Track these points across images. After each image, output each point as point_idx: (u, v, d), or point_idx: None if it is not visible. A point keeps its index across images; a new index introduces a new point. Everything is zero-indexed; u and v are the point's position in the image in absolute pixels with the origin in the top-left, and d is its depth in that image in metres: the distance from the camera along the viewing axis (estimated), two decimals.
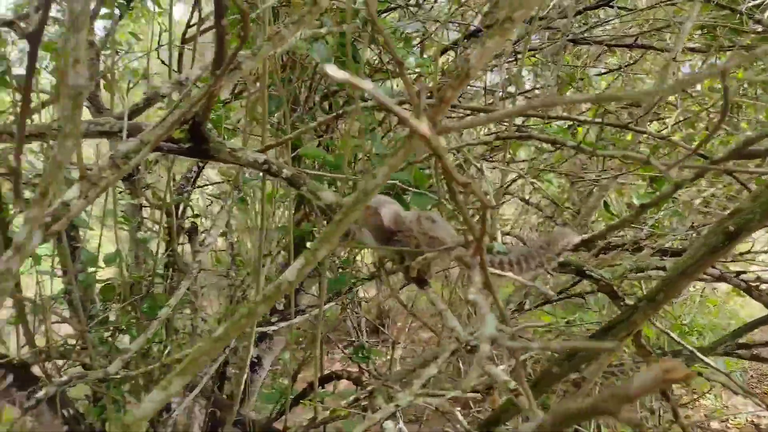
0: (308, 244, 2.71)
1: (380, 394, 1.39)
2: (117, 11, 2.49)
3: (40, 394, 1.56)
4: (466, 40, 2.90)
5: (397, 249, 0.82)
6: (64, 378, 1.59)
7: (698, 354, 1.16)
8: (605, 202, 2.12)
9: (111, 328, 2.32)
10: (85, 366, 2.48)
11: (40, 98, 3.30)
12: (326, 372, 2.59)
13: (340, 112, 1.30)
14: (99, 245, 1.69)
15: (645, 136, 1.52)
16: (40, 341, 2.48)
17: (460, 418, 1.16)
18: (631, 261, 1.31)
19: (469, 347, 0.81)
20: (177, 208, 2.58)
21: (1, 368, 2.23)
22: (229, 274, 3.06)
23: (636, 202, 1.92)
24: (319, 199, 0.96)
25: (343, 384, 3.32)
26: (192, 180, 3.02)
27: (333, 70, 0.35)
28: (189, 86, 1.37)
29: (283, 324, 1.86)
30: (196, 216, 3.11)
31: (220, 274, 3.23)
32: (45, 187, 0.51)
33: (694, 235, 1.62)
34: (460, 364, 3.40)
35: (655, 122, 3.12)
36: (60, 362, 2.28)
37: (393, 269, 1.09)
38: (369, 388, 1.55)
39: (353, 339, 3.78)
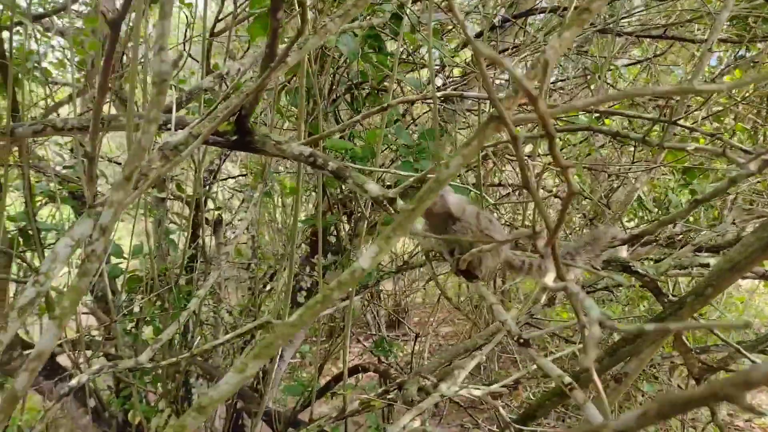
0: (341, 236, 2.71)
1: (412, 386, 1.39)
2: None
3: (72, 383, 1.57)
4: (490, 32, 2.87)
5: (451, 238, 0.81)
6: (95, 367, 1.60)
7: (743, 352, 1.14)
8: (639, 197, 2.09)
9: (135, 319, 2.34)
10: (108, 356, 2.50)
11: (62, 92, 3.32)
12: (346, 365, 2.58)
13: (385, 105, 1.28)
14: (131, 236, 1.70)
15: (681, 130, 1.50)
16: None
17: (503, 411, 1.15)
18: (672, 257, 1.29)
19: (521, 340, 0.80)
20: (201, 201, 2.59)
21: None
22: (251, 266, 3.07)
23: (671, 196, 1.90)
24: (365, 191, 0.96)
25: (361, 377, 3.32)
26: (214, 173, 3.04)
27: (481, 45, 0.35)
28: (237, 79, 1.37)
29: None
30: (218, 209, 3.12)
31: (241, 266, 3.25)
32: (130, 172, 0.51)
33: (737, 231, 1.59)
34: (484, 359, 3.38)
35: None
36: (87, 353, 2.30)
37: (433, 258, 1.08)
38: (398, 380, 1.54)
39: (372, 332, 3.78)
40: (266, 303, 2.57)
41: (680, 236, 1.59)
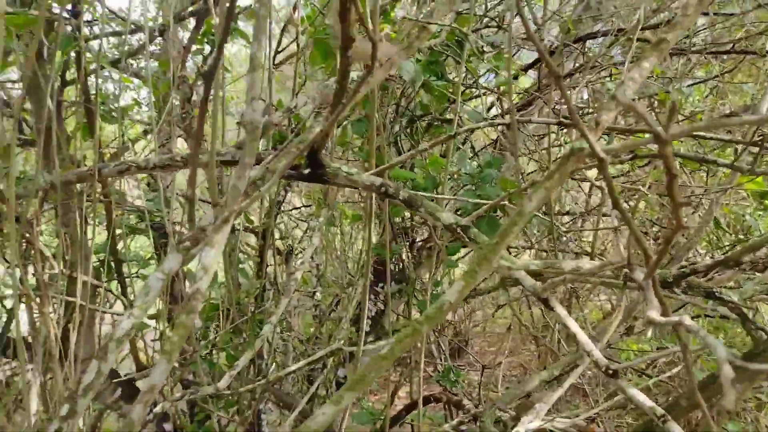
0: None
1: (488, 419, 1.37)
2: (207, 46, 2.65)
3: (157, 409, 1.65)
4: (551, 56, 2.87)
5: (534, 270, 0.82)
6: (177, 394, 1.68)
7: None
8: (716, 220, 2.01)
9: (211, 346, 2.43)
10: (184, 382, 2.60)
11: (136, 129, 3.54)
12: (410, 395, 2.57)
13: (453, 134, 1.31)
14: (216, 268, 1.77)
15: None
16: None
17: None
18: (755, 282, 1.24)
19: (610, 371, 0.78)
20: (271, 231, 2.68)
21: (112, 383, 2.38)
22: (315, 295, 3.13)
23: (749, 220, 1.83)
24: (438, 220, 0.98)
25: (428, 407, 3.28)
26: (279, 204, 3.14)
27: (622, 96, 0.37)
28: (310, 114, 1.44)
29: (381, 343, 1.87)
30: (283, 238, 3.21)
31: (306, 294, 3.31)
32: (228, 215, 0.55)
33: None
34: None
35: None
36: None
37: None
38: (473, 411, 1.53)
39: (437, 362, 3.75)
40: (335, 332, 2.61)
41: (764, 259, 1.52)
